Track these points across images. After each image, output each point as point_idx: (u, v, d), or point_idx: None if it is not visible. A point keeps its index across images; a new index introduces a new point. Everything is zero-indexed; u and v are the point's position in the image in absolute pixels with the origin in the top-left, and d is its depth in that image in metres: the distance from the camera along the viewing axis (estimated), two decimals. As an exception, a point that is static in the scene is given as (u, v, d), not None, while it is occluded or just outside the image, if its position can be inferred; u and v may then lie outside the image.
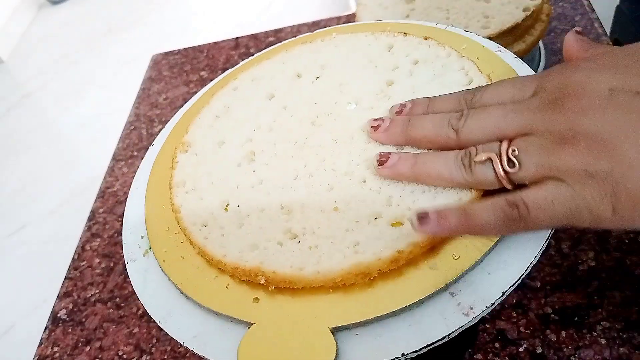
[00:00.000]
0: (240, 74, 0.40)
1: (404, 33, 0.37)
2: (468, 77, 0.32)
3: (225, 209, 0.31)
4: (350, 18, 0.75)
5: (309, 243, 0.27)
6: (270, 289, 0.26)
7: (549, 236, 0.25)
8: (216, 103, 0.38)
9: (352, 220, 0.27)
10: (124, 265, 0.54)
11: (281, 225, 0.28)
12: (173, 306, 0.28)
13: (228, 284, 0.28)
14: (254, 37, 0.80)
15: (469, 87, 0.32)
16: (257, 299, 0.26)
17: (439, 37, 0.36)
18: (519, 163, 0.23)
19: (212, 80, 0.43)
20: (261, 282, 0.26)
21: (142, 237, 0.33)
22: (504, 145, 0.24)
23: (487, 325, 0.38)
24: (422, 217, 0.23)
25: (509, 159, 0.24)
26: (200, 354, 0.26)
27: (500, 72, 0.33)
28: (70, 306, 0.52)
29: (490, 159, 0.24)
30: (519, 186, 0.24)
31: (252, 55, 0.44)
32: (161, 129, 0.40)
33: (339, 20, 0.76)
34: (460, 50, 0.35)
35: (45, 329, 0.51)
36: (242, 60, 0.44)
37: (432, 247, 0.25)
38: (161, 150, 0.37)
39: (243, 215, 0.30)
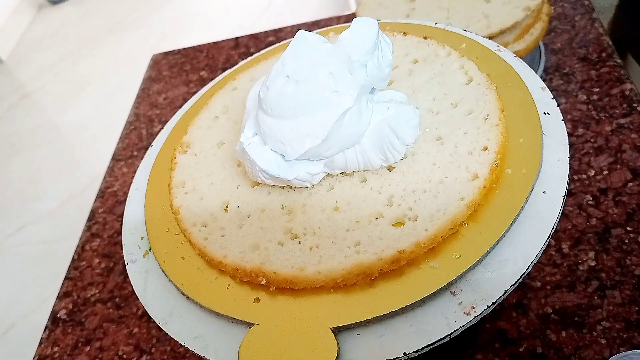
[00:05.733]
0: (239, 74, 0.40)
1: (404, 32, 0.37)
2: (468, 76, 0.32)
3: (225, 210, 0.31)
4: (351, 18, 0.75)
5: (309, 243, 0.27)
6: (271, 289, 0.26)
7: (549, 235, 0.25)
8: (215, 103, 0.38)
9: (353, 220, 0.27)
10: (124, 265, 0.54)
11: (282, 226, 0.28)
12: (174, 307, 0.28)
13: (229, 285, 0.28)
14: (254, 37, 0.80)
15: (469, 86, 0.32)
16: (257, 300, 0.26)
17: (438, 37, 0.36)
18: None
19: (212, 80, 0.43)
20: (262, 283, 0.26)
21: (142, 238, 0.33)
22: None
23: (488, 325, 0.38)
24: None
25: None
26: (201, 355, 0.26)
27: (500, 71, 0.33)
28: (70, 306, 0.52)
29: None
30: None
31: (252, 55, 0.44)
32: (161, 129, 0.40)
33: (339, 19, 0.76)
34: (460, 49, 0.35)
35: (45, 329, 0.51)
36: (242, 60, 0.44)
37: (433, 246, 0.25)
38: (160, 151, 0.37)
39: (243, 216, 0.30)
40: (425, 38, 0.36)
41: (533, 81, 0.32)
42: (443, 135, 0.30)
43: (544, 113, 0.30)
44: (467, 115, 0.30)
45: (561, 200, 0.26)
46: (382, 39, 0.29)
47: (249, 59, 0.43)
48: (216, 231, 0.29)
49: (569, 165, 0.28)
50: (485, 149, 0.28)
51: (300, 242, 0.27)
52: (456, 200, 0.26)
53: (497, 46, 0.35)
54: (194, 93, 0.72)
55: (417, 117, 0.30)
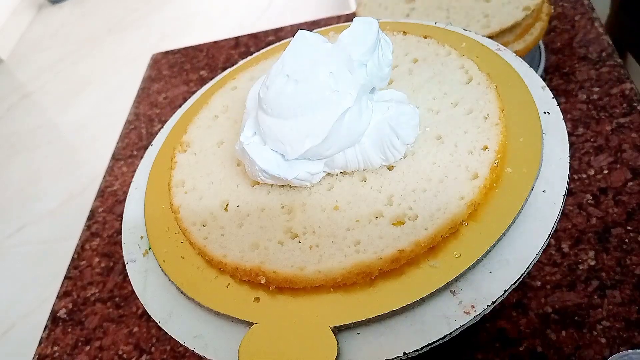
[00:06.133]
0: (239, 73, 0.40)
1: (403, 32, 0.37)
2: (468, 76, 0.32)
3: (225, 209, 0.31)
4: (350, 17, 0.75)
5: (309, 242, 0.27)
6: (270, 288, 0.26)
7: (549, 235, 0.25)
8: (215, 103, 0.38)
9: (353, 220, 0.27)
10: (124, 265, 0.54)
11: (281, 225, 0.28)
12: (173, 306, 0.28)
13: (228, 284, 0.27)
14: (254, 36, 0.80)
15: (469, 85, 0.32)
16: (257, 299, 0.26)
17: (438, 36, 0.36)
18: None
19: (211, 79, 0.43)
20: (262, 282, 0.26)
21: (141, 237, 0.33)
22: None
23: (488, 325, 0.38)
24: None
25: None
26: (201, 354, 0.26)
27: (500, 70, 0.33)
28: (70, 306, 0.52)
29: None
30: None
31: (252, 54, 0.44)
32: (161, 128, 0.40)
33: (339, 19, 0.76)
34: (460, 48, 0.34)
35: (45, 329, 0.51)
36: (242, 59, 0.44)
37: (433, 246, 0.25)
38: (160, 150, 0.37)
39: (243, 215, 0.30)
40: (425, 37, 0.36)
41: (533, 80, 0.32)
42: (443, 134, 0.30)
43: (544, 112, 0.30)
44: (467, 114, 0.30)
45: (561, 199, 0.26)
46: (382, 38, 0.29)
47: (249, 58, 0.43)
48: (216, 230, 0.29)
49: (569, 164, 0.28)
50: (486, 148, 0.28)
51: (300, 242, 0.27)
52: (456, 200, 0.26)
53: (497, 45, 0.35)
54: (194, 92, 0.72)
55: (417, 117, 0.30)
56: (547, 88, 0.32)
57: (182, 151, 0.35)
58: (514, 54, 0.34)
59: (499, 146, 0.28)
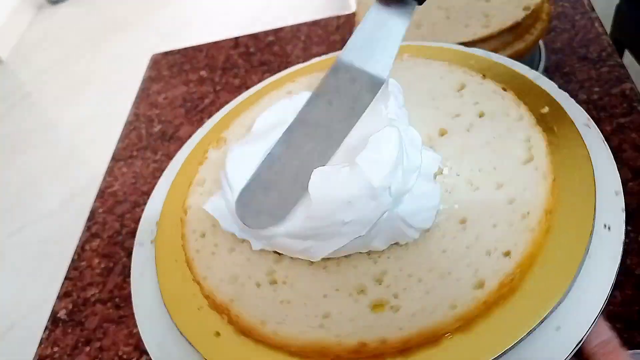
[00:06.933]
0: (299, 76, 0.37)
1: (483, 75, 0.32)
2: (529, 154, 0.27)
3: None
4: (351, 17, 0.75)
5: (283, 295, 0.25)
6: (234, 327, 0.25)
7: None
8: (265, 103, 0.35)
9: (333, 287, 0.24)
10: (124, 266, 0.54)
11: (267, 265, 0.26)
12: (159, 305, 0.28)
13: (201, 307, 0.26)
14: (254, 36, 0.80)
15: (524, 167, 0.26)
16: (218, 334, 0.25)
17: (516, 88, 0.31)
18: None
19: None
20: (224, 320, 0.25)
21: (156, 223, 0.32)
22: None
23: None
24: None
25: None
26: None
27: (573, 156, 0.27)
28: (70, 306, 0.52)
29: None
30: None
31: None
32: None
33: (338, 19, 0.76)
34: (539, 113, 0.29)
35: (45, 329, 0.51)
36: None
37: (404, 349, 0.22)
38: (200, 141, 0.35)
39: (237, 240, 0.28)
40: (504, 89, 0.31)
41: (610, 181, 0.26)
42: (470, 218, 0.25)
43: (604, 226, 0.25)
44: (507, 204, 0.25)
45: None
46: (404, 137, 0.25)
47: (312, 61, 0.40)
48: (209, 247, 0.28)
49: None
50: (507, 254, 0.23)
51: (275, 291, 0.25)
52: (446, 307, 0.22)
53: (588, 120, 0.29)
54: (194, 93, 0.72)
55: (437, 198, 0.26)
56: (621, 193, 0.26)
57: (217, 147, 0.33)
58: (603, 139, 0.28)
59: (523, 258, 0.23)
